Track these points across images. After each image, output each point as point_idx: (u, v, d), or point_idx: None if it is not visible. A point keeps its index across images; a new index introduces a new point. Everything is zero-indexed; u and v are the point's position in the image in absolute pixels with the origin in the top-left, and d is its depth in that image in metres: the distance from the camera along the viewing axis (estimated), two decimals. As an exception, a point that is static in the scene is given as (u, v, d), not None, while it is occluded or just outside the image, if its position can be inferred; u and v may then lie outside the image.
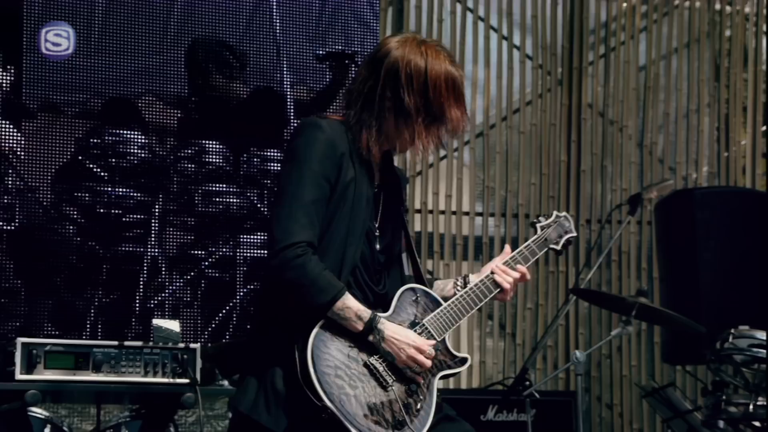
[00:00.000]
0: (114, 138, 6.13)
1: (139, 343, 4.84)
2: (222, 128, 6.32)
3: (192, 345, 4.91)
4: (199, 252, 6.22)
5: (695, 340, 6.01)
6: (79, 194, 6.01)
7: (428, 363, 3.41)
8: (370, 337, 3.34)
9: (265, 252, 5.80)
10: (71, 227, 6.00)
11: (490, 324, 7.65)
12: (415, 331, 3.44)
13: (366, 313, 3.34)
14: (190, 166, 6.27)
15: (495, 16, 7.73)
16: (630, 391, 7.61)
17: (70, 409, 6.75)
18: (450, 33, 7.63)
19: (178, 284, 6.20)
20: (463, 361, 3.56)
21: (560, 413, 6.49)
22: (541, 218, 3.83)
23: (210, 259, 6.24)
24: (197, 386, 4.82)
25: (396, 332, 3.38)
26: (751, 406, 5.56)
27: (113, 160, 6.09)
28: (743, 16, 8.12)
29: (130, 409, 5.75)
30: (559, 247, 3.82)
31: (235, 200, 6.34)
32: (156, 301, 6.13)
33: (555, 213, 3.84)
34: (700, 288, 6.48)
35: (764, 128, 8.13)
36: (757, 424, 5.63)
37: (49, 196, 5.95)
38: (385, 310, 3.46)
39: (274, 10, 6.45)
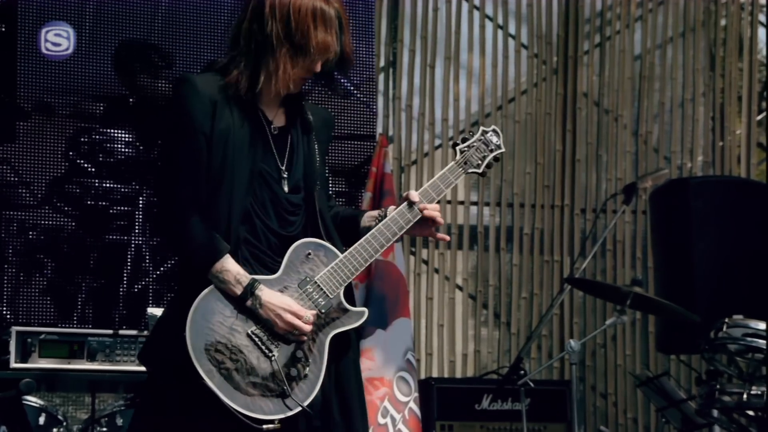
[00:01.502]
0: (102, 136, 6.29)
1: (133, 332, 4.85)
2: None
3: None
4: None
5: (689, 330, 6.02)
6: (70, 188, 6.18)
7: (307, 328, 3.31)
8: (248, 303, 3.28)
9: None
10: (63, 219, 6.15)
11: (485, 313, 7.65)
12: (305, 289, 3.36)
13: (245, 278, 3.28)
14: None
15: (490, 4, 7.72)
16: (624, 381, 7.62)
17: (65, 397, 6.75)
18: (445, 22, 7.63)
19: (160, 270, 6.40)
20: (360, 315, 3.42)
21: (555, 402, 6.50)
22: (466, 135, 3.62)
23: None
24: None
25: (272, 297, 3.29)
26: (744, 396, 5.57)
27: (101, 156, 6.24)
28: (738, 5, 8.12)
29: (124, 398, 5.76)
30: (480, 170, 3.62)
31: None
32: (140, 286, 6.35)
33: (481, 128, 3.63)
34: (695, 277, 6.49)
35: (759, 117, 8.13)
36: (750, 413, 5.64)
37: (42, 189, 6.09)
38: None
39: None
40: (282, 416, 3.26)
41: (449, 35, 7.62)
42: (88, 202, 6.22)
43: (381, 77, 7.50)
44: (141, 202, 6.32)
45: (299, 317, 3.30)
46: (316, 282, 3.38)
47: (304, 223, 3.46)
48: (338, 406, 3.41)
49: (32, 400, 5.62)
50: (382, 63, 7.52)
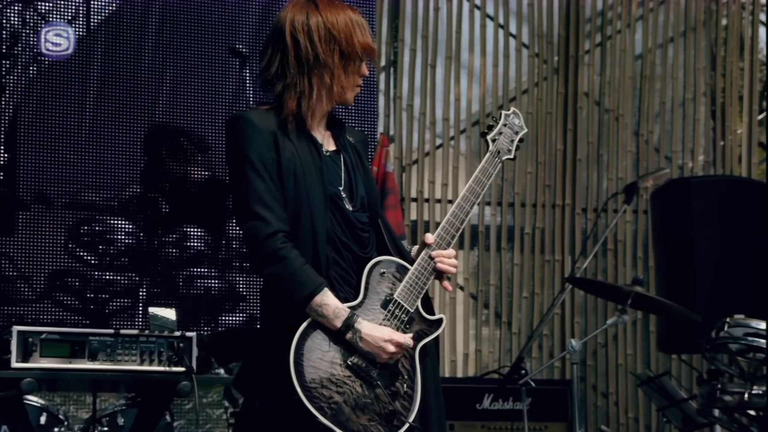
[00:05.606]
0: (102, 226, 6.26)
1: (135, 332, 4.84)
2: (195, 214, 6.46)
3: (188, 333, 4.91)
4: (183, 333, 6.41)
5: (691, 329, 6.02)
6: (70, 280, 6.19)
7: (411, 343, 3.38)
8: (348, 336, 3.31)
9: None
10: (63, 312, 6.18)
11: (486, 313, 7.65)
12: (389, 309, 3.39)
13: (344, 311, 3.31)
14: (173, 251, 6.43)
15: (491, 4, 7.73)
16: (625, 380, 7.63)
17: (66, 397, 6.76)
18: (446, 21, 7.63)
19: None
20: (439, 323, 3.49)
21: (556, 402, 6.50)
22: (491, 121, 3.68)
23: None
24: (193, 374, 4.82)
25: (372, 330, 3.33)
26: (746, 395, 5.56)
27: (102, 247, 6.22)
28: (739, 4, 8.12)
29: (125, 398, 5.77)
30: (512, 156, 3.74)
31: (215, 283, 6.48)
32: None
33: (502, 113, 3.70)
34: (696, 277, 6.49)
35: (760, 117, 8.14)
36: (752, 412, 5.64)
37: (42, 283, 6.09)
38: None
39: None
40: None
41: (450, 35, 7.62)
42: (89, 295, 6.18)
43: (382, 77, 7.50)
44: (142, 293, 6.29)
45: (401, 346, 3.36)
46: (396, 300, 3.43)
47: (375, 241, 3.52)
48: (419, 411, 3.44)
49: (33, 399, 5.62)
50: (382, 62, 7.52)
